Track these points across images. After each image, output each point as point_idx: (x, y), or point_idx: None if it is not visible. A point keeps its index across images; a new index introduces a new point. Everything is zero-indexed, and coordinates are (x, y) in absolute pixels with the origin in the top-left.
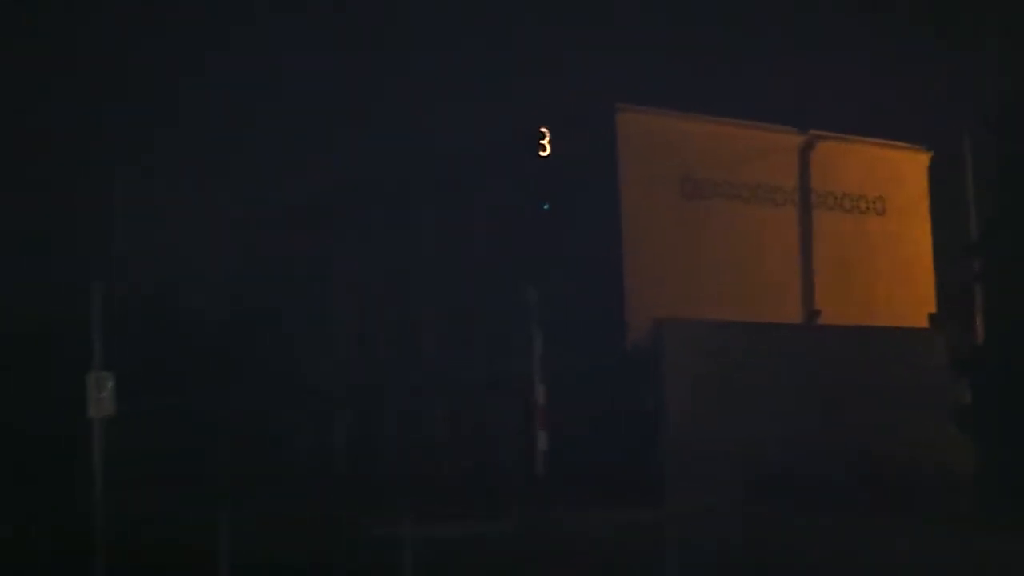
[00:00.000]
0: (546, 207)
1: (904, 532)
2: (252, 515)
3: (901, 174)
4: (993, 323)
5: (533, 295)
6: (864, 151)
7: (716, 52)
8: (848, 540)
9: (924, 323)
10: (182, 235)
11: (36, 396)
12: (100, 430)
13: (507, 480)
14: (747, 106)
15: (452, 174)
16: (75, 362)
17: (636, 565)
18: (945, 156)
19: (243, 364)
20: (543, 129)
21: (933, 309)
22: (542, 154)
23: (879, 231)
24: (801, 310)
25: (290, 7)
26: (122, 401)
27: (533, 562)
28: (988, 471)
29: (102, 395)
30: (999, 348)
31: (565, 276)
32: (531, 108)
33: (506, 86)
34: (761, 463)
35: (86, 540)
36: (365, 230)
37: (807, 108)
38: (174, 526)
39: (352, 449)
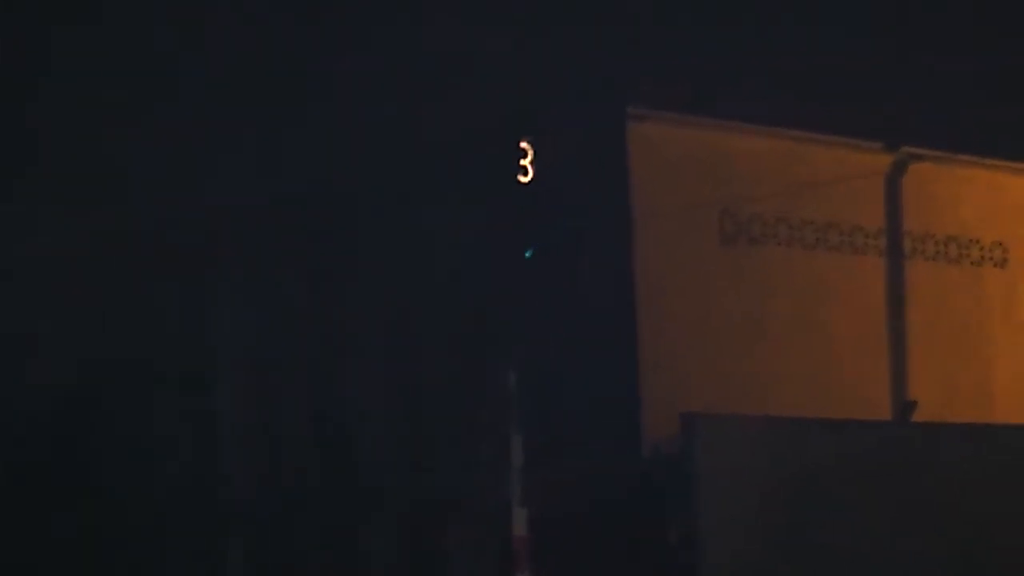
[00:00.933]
0: (529, 255)
1: None
2: None
3: None
4: None
5: (511, 380)
6: (978, 177)
7: (764, 35)
8: None
9: None
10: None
11: None
12: None
13: None
14: (810, 113)
15: (393, 200)
16: None
17: None
18: None
19: (89, 467)
20: (524, 144)
21: None
22: (523, 180)
23: (999, 288)
24: (890, 401)
25: None
26: None
27: None
28: None
29: None
30: None
31: (555, 354)
32: (506, 114)
33: (469, 84)
34: None
35: None
36: (268, 280)
37: (897, 116)
38: None
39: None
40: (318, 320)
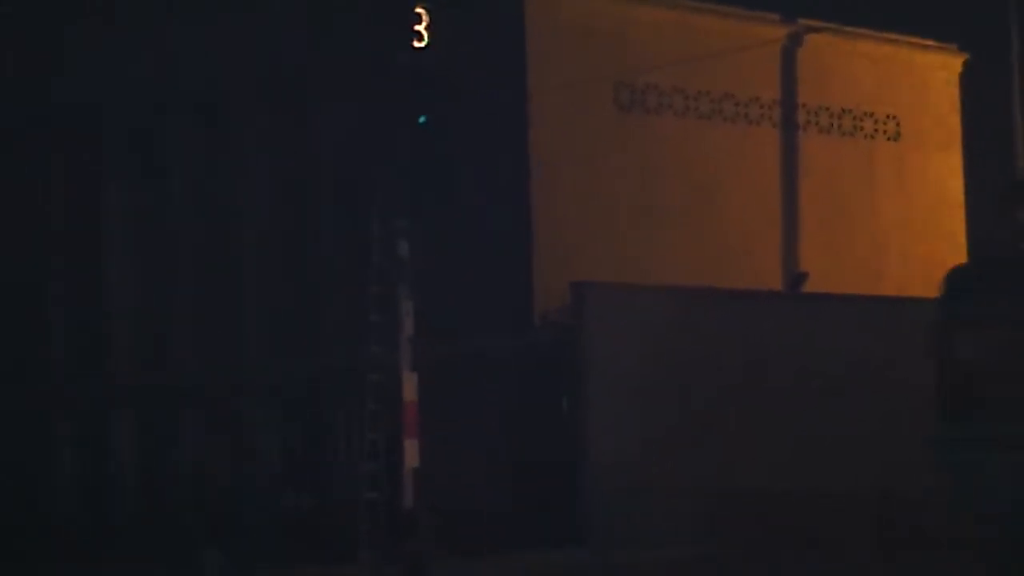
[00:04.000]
0: (423, 121)
1: None
2: None
3: (923, 84)
4: None
5: (403, 248)
6: (872, 50)
7: None
8: None
9: None
10: None
11: None
12: None
13: (362, 514)
14: None
15: (286, 72)
16: None
17: None
18: (984, 59)
19: None
20: (419, 10)
21: None
22: (417, 45)
23: (891, 162)
24: (781, 272)
25: None
26: None
27: None
28: None
29: None
30: None
31: (447, 221)
32: None
33: None
34: (724, 491)
35: None
36: (157, 151)
37: None
38: None
39: (135, 475)
40: (205, 199)
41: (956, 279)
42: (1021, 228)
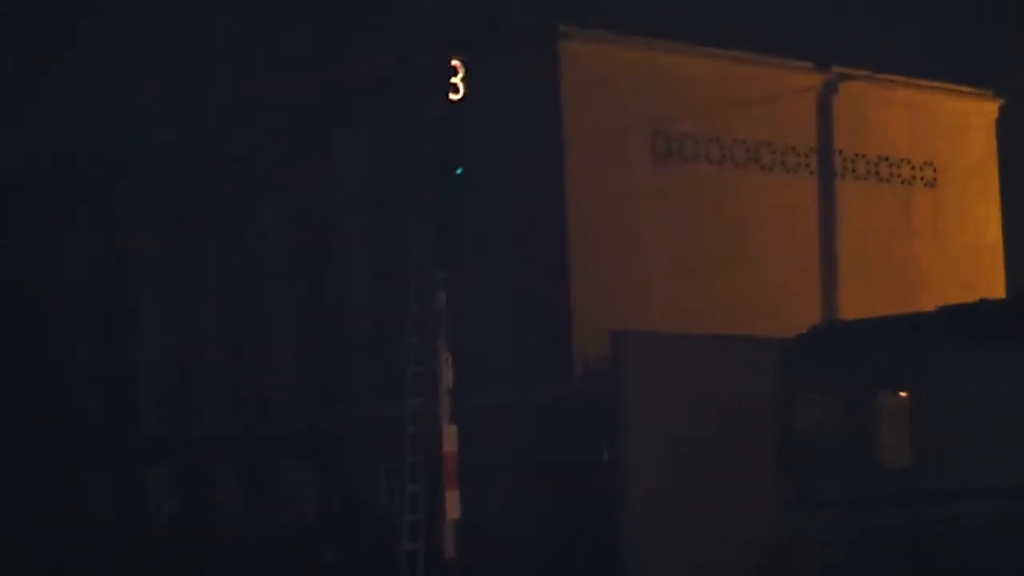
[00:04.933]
0: (459, 172)
1: None
2: None
3: (959, 130)
4: None
5: (441, 300)
6: (907, 97)
7: None
8: None
9: None
10: None
11: None
12: None
13: (401, 565)
14: (743, 33)
15: (315, 123)
16: None
17: None
18: (1021, 104)
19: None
20: (455, 62)
21: None
22: (453, 97)
23: (928, 209)
24: (819, 320)
25: None
26: None
27: None
28: None
29: None
30: None
31: (483, 273)
32: (435, 32)
33: (402, 2)
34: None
35: None
36: (183, 202)
37: (828, 37)
38: None
39: (169, 529)
40: (233, 241)
41: (797, 345)
42: None
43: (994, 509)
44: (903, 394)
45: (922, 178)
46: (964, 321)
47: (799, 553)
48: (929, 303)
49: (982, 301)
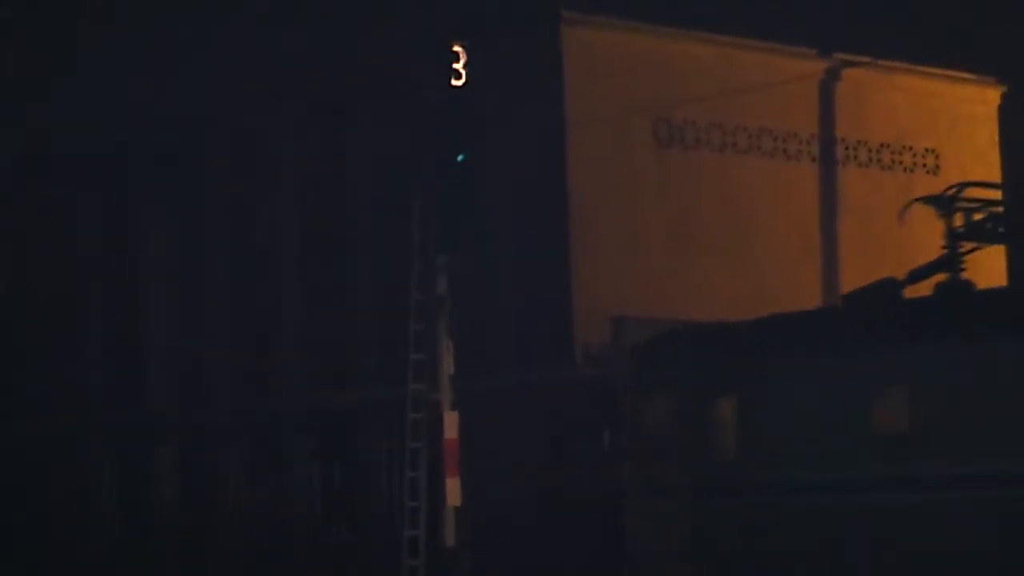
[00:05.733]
0: (461, 159)
1: None
2: None
3: (962, 117)
4: None
5: (442, 287)
6: (910, 84)
7: None
8: None
9: None
10: None
11: None
12: None
13: (402, 552)
14: (746, 19)
15: (321, 105)
16: None
17: None
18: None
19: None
20: (456, 48)
21: None
22: (455, 83)
23: None
24: (821, 305)
25: None
26: None
27: None
28: None
29: None
30: None
31: (485, 258)
32: (438, 18)
33: None
34: None
35: None
36: (192, 183)
37: (830, 24)
38: None
39: (174, 508)
40: (239, 234)
41: (645, 348)
42: None
43: (812, 501)
44: (732, 395)
45: (924, 165)
46: (793, 329)
47: (646, 535)
48: (930, 290)
49: (814, 310)
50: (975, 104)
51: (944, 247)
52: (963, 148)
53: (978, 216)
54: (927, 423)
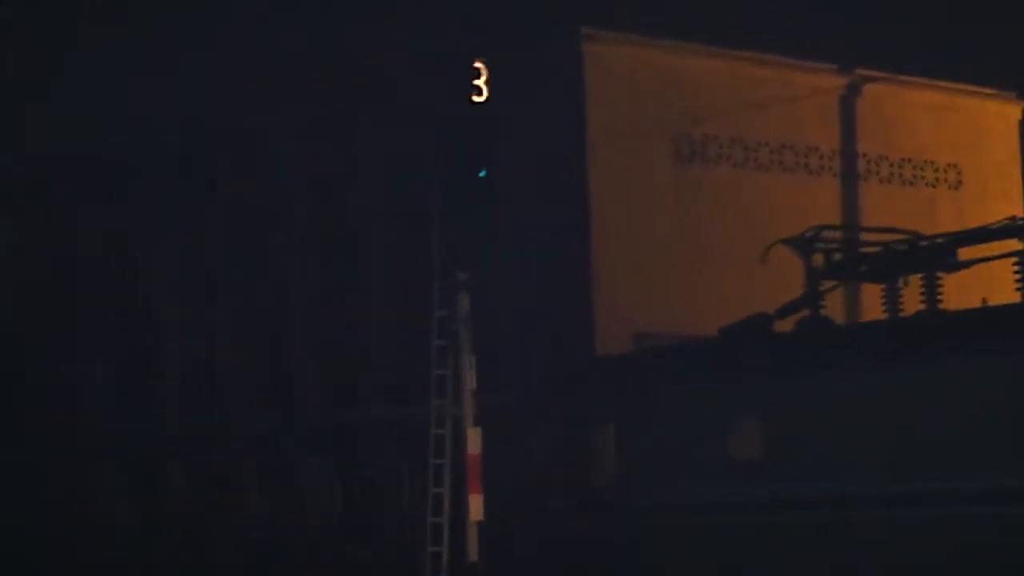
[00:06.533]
0: (483, 175)
1: None
2: None
3: (982, 132)
4: None
5: (464, 303)
6: (931, 99)
7: None
8: None
9: None
10: None
11: None
12: None
13: (424, 567)
14: (766, 36)
15: (336, 120)
16: None
17: None
18: None
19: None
20: (478, 64)
21: None
22: (477, 100)
23: (952, 212)
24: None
25: None
26: None
27: None
28: None
29: None
30: None
31: (507, 275)
32: (460, 35)
33: (424, 4)
34: None
35: None
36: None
37: (850, 39)
38: None
39: (186, 522)
40: (257, 239)
41: (540, 379)
42: None
43: (683, 521)
44: (610, 424)
45: (946, 180)
46: (668, 359)
47: (536, 551)
48: (952, 304)
49: (689, 342)
50: (995, 119)
51: (804, 285)
52: (984, 163)
53: (838, 256)
54: (782, 449)
